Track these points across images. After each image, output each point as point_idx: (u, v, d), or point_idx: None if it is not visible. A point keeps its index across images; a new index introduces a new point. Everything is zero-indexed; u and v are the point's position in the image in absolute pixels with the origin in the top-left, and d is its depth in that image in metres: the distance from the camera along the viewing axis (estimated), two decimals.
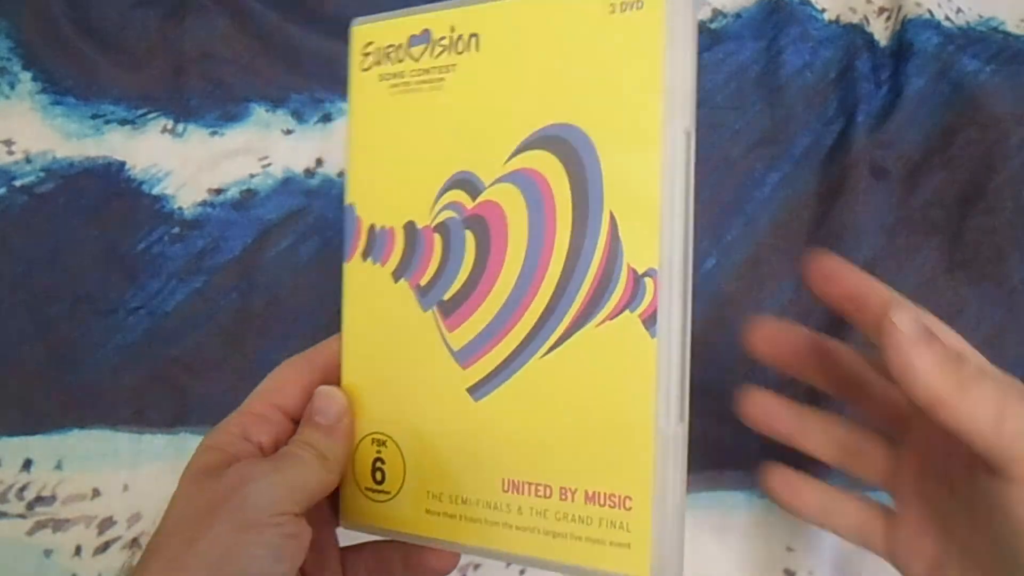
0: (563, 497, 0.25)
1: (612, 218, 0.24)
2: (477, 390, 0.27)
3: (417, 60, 0.28)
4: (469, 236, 0.27)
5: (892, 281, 0.45)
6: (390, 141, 0.29)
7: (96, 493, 0.41)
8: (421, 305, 0.28)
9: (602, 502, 0.25)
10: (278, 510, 0.25)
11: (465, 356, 0.27)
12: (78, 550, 0.40)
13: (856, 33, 0.48)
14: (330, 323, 0.44)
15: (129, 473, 0.41)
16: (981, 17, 0.48)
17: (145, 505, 0.41)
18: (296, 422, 0.29)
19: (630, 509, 0.25)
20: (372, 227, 0.29)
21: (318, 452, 0.27)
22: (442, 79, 0.28)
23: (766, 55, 0.48)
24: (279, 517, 0.25)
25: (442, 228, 0.28)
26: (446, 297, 0.27)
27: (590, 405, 0.25)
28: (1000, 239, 0.44)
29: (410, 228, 0.29)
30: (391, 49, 0.29)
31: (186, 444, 0.42)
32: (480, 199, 0.27)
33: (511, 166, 0.26)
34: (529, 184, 0.26)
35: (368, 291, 0.29)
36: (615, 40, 0.24)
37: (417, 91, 0.29)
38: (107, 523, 0.41)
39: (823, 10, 0.48)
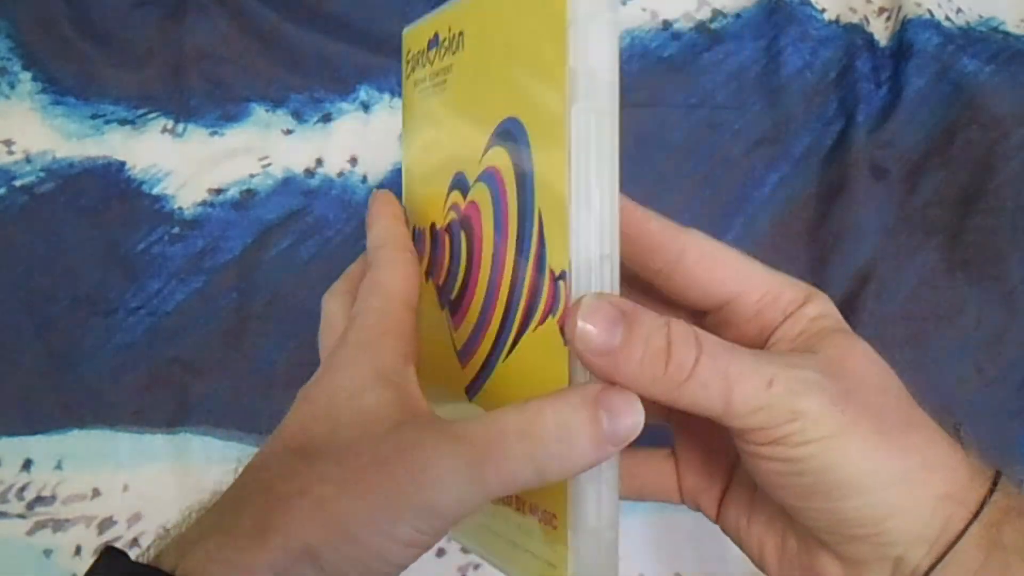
0: (517, 507, 0.24)
1: (540, 216, 0.22)
2: (470, 390, 0.27)
3: (432, 63, 0.28)
4: (463, 237, 0.27)
5: (892, 281, 0.46)
6: (419, 144, 0.30)
7: (96, 493, 0.41)
8: (440, 304, 0.28)
9: (540, 517, 0.23)
10: (460, 519, 0.21)
11: (463, 356, 0.27)
12: (78, 550, 0.40)
13: (856, 33, 0.48)
14: None
15: (129, 473, 0.41)
16: (981, 17, 0.48)
17: (145, 505, 0.41)
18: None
19: (556, 528, 0.23)
20: (414, 229, 0.29)
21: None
22: (444, 80, 0.28)
23: (766, 55, 0.48)
24: (455, 522, 0.21)
25: (449, 230, 0.27)
26: (452, 297, 0.27)
27: None
28: (1000, 239, 0.44)
29: (432, 230, 0.29)
30: (419, 54, 0.29)
31: (186, 444, 0.42)
32: (468, 199, 0.26)
33: (483, 164, 0.25)
34: (492, 182, 0.25)
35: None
36: (538, 21, 0.22)
37: (432, 94, 0.28)
38: (107, 523, 0.41)
39: (823, 10, 0.48)
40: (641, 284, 0.27)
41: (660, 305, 0.28)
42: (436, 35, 0.28)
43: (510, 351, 0.24)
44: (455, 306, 0.27)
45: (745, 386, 0.21)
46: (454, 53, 0.27)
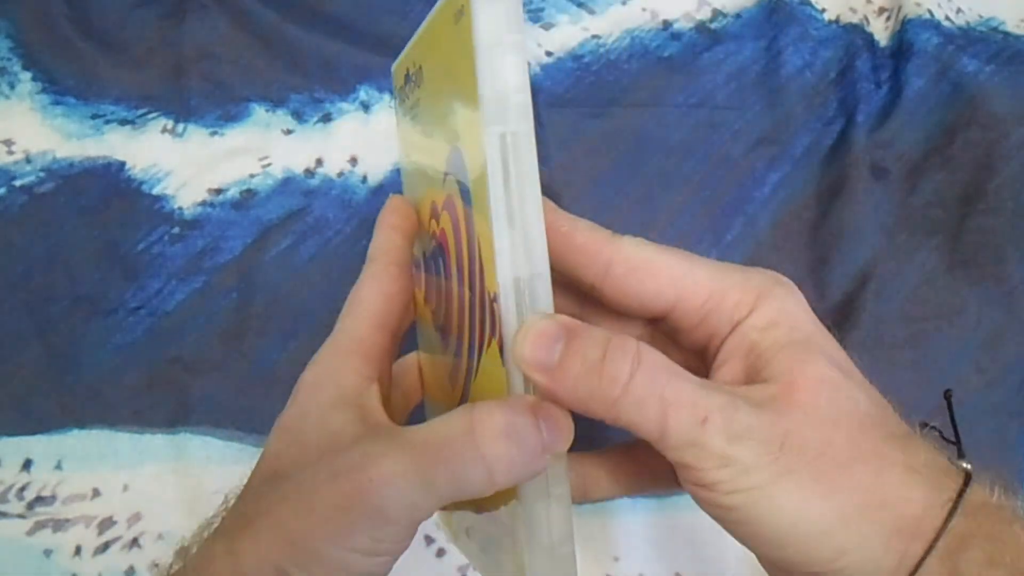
0: (496, 518, 0.25)
1: (478, 240, 0.23)
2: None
3: (409, 98, 0.29)
4: (440, 264, 0.27)
5: (892, 281, 0.46)
6: (409, 176, 0.31)
7: (96, 493, 0.41)
8: (435, 328, 0.29)
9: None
10: (416, 525, 0.22)
11: (451, 376, 0.27)
12: (78, 550, 0.40)
13: (856, 33, 0.48)
14: (330, 323, 0.44)
15: (129, 473, 0.41)
16: (981, 17, 0.48)
17: (145, 505, 0.41)
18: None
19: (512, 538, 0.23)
20: (415, 257, 0.30)
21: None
22: (417, 114, 0.29)
23: (766, 55, 0.48)
24: (413, 529, 0.22)
25: (433, 257, 0.28)
26: (441, 321, 0.28)
27: None
28: (1000, 239, 0.44)
29: (423, 257, 0.29)
30: (401, 90, 0.31)
31: (186, 444, 0.42)
32: (439, 227, 0.27)
33: (444, 193, 0.26)
34: (451, 210, 0.25)
35: (418, 309, 0.31)
36: (457, 51, 0.23)
37: (412, 127, 0.30)
38: (107, 523, 0.41)
39: (823, 10, 0.48)
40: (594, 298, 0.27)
41: (618, 318, 0.27)
42: (407, 71, 0.29)
43: (476, 372, 0.25)
44: (443, 330, 0.28)
45: (680, 415, 0.21)
46: (419, 87, 0.28)
